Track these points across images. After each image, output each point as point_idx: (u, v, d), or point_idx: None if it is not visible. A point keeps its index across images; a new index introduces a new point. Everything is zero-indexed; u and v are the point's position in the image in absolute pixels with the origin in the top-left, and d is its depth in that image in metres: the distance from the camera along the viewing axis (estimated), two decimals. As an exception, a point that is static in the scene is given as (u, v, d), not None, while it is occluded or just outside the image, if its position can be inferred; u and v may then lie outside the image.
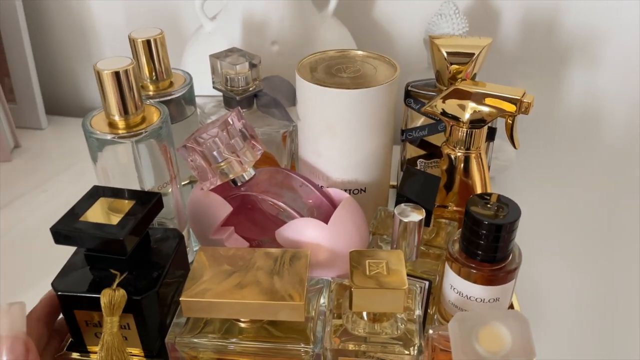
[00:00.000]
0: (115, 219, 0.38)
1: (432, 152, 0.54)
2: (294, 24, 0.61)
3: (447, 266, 0.43)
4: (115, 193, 0.40)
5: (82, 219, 0.38)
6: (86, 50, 0.87)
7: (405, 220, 0.42)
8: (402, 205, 0.44)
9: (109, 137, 0.42)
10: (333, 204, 0.48)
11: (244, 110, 0.54)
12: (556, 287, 0.58)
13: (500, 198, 0.41)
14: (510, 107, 0.43)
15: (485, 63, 0.50)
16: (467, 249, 0.41)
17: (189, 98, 0.53)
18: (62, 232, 0.37)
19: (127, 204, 0.39)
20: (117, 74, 0.40)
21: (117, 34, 0.84)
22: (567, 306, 0.56)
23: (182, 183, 0.55)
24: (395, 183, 0.61)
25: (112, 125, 0.42)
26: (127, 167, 0.44)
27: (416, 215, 0.43)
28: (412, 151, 0.55)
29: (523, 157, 0.72)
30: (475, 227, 0.40)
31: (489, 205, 0.40)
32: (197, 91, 0.62)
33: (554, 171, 0.77)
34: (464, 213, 0.41)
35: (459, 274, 0.41)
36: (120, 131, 0.42)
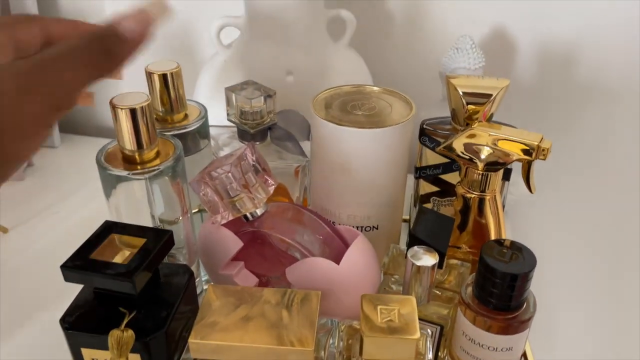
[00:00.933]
0: (125, 257, 0.38)
1: (446, 189, 0.54)
2: (309, 54, 0.61)
3: (459, 311, 0.42)
4: (126, 229, 0.40)
5: (92, 256, 0.38)
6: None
7: (418, 264, 0.41)
8: (415, 247, 0.43)
9: (123, 174, 0.41)
10: (344, 242, 0.47)
11: (257, 142, 0.54)
12: (573, 335, 0.56)
13: (515, 245, 0.41)
14: (527, 153, 0.42)
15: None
16: (480, 295, 0.40)
17: (203, 131, 0.53)
18: (72, 270, 0.37)
19: (138, 241, 0.39)
20: (133, 111, 0.40)
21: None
22: (584, 355, 0.54)
23: (193, 211, 0.55)
24: (407, 217, 0.60)
25: (126, 159, 0.42)
26: (140, 203, 0.43)
27: (429, 259, 0.42)
28: (426, 187, 0.55)
29: (539, 192, 0.71)
30: (489, 275, 0.39)
31: (504, 252, 0.40)
32: (211, 119, 0.62)
33: (571, 208, 0.76)
34: (477, 255, 0.40)
35: (472, 322, 0.41)
36: (134, 166, 0.42)
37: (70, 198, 0.75)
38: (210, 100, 0.64)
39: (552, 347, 0.53)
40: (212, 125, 0.56)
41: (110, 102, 0.40)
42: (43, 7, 0.81)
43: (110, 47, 0.29)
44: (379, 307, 0.38)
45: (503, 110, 0.67)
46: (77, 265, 0.37)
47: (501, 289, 0.39)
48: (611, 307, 0.60)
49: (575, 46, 0.70)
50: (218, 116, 0.62)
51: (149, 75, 0.49)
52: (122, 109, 0.40)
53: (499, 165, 0.44)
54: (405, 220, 0.60)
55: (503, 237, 0.48)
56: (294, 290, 0.40)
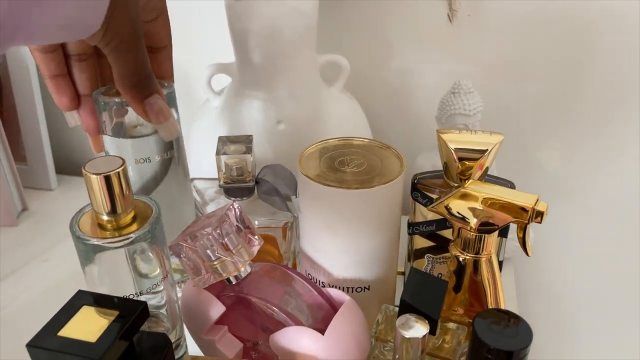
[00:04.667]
0: (95, 333, 0.36)
1: (441, 244, 0.51)
2: (301, 101, 0.60)
3: (452, 385, 0.40)
4: (98, 301, 0.38)
5: (60, 333, 0.36)
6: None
7: (407, 335, 0.39)
8: (406, 315, 0.41)
9: (99, 242, 0.40)
10: (333, 306, 0.45)
11: (244, 198, 0.52)
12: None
13: (511, 315, 0.38)
14: (521, 215, 0.40)
15: (507, 131, 0.47)
16: (474, 372, 0.38)
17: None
18: (38, 349, 0.35)
19: (110, 314, 0.37)
20: (107, 178, 0.39)
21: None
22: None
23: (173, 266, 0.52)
24: (403, 269, 0.58)
25: (101, 226, 0.41)
26: (117, 270, 0.42)
27: (420, 329, 0.40)
28: (420, 242, 0.52)
29: (548, 228, 0.68)
30: (482, 350, 0.36)
31: (498, 322, 0.37)
32: (201, 168, 0.60)
33: (580, 247, 0.73)
34: (472, 318, 0.38)
35: (465, 399, 0.38)
36: (110, 233, 0.40)
37: (64, 242, 0.73)
38: (201, 147, 0.63)
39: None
40: (197, 178, 0.54)
41: (83, 169, 0.39)
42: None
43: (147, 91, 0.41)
44: (362, 388, 0.36)
45: (509, 142, 0.64)
46: (44, 344, 0.35)
47: (495, 365, 0.36)
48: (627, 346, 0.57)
49: (580, 77, 0.68)
50: (209, 163, 0.61)
51: None
52: (94, 176, 0.38)
53: (492, 226, 0.42)
54: (401, 273, 0.57)
55: (501, 300, 0.46)
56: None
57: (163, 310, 0.47)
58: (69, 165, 0.91)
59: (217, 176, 0.53)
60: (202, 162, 0.61)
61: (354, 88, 0.68)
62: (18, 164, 0.81)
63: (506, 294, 0.48)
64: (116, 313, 0.38)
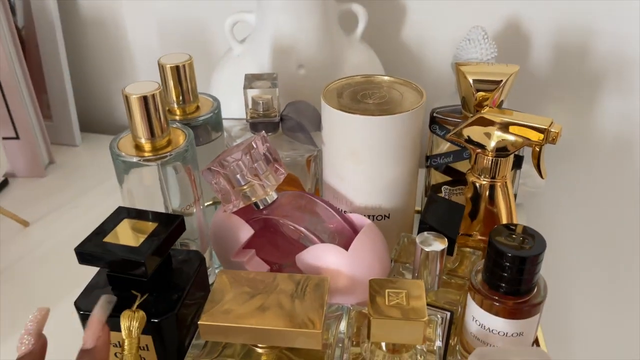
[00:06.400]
0: (137, 241, 0.38)
1: (458, 178, 0.53)
2: (321, 47, 0.62)
3: (469, 297, 0.42)
4: (139, 214, 0.41)
5: (106, 239, 0.39)
6: (121, 69, 0.90)
7: (427, 249, 0.41)
8: (425, 233, 0.43)
9: (135, 159, 0.42)
10: (355, 230, 0.48)
11: (269, 134, 0.54)
12: (587, 323, 0.56)
13: (525, 229, 0.40)
14: (536, 137, 0.42)
15: (516, 87, 0.49)
16: (490, 280, 0.40)
17: (215, 123, 0.54)
18: (86, 252, 0.38)
19: (150, 226, 0.40)
20: (144, 99, 0.41)
21: (150, 54, 0.86)
22: (598, 345, 0.54)
23: (206, 204, 0.56)
24: (420, 208, 0.60)
25: (138, 147, 0.43)
26: (152, 189, 0.44)
27: (439, 245, 0.42)
28: (437, 177, 0.55)
29: (554, 182, 0.70)
30: (499, 258, 0.39)
31: (513, 236, 0.40)
32: (224, 113, 0.62)
33: (586, 197, 0.75)
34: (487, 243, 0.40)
35: (481, 306, 0.40)
36: (146, 154, 0.43)
37: (89, 193, 0.77)
38: (224, 94, 0.65)
39: (565, 337, 0.53)
40: (225, 118, 0.56)
41: (122, 91, 0.41)
42: (63, 7, 0.83)
43: None
44: (387, 291, 0.38)
45: (517, 100, 0.66)
46: (91, 248, 0.38)
47: (511, 272, 0.39)
48: (626, 299, 0.59)
49: (590, 34, 0.70)
50: (233, 110, 0.63)
51: (162, 67, 0.50)
52: (134, 96, 0.41)
53: (508, 151, 0.44)
54: (418, 212, 0.60)
55: (515, 221, 0.48)
56: (306, 275, 0.41)
57: (193, 234, 0.50)
58: (91, 124, 0.93)
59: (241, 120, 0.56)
60: (225, 107, 0.64)
61: (370, 38, 0.69)
62: (44, 120, 0.83)
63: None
64: (155, 224, 0.40)
